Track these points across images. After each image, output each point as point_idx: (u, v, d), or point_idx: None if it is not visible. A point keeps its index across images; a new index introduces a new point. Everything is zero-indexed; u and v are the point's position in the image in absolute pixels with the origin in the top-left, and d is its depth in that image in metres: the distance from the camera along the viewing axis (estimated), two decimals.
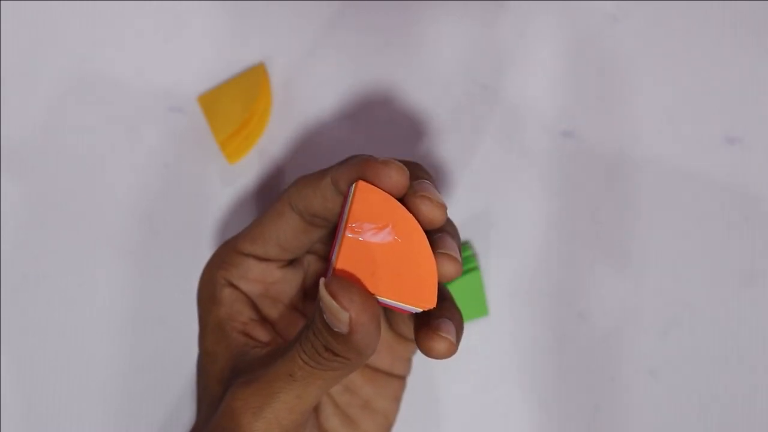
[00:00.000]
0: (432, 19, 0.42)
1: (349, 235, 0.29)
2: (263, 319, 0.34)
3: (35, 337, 0.41)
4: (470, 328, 0.41)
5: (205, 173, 0.41)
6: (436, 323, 0.30)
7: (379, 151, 0.41)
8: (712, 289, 0.41)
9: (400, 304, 0.29)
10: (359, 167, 0.29)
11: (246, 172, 0.41)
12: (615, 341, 0.41)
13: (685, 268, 0.41)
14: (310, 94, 0.41)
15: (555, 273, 0.41)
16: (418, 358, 0.41)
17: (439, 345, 0.29)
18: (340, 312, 0.28)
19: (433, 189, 0.30)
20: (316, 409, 0.35)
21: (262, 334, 0.33)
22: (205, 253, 0.41)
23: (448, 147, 0.41)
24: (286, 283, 0.35)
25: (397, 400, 0.36)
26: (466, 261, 0.40)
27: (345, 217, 0.29)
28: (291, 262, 0.35)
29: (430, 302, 0.29)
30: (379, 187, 0.29)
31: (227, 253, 0.34)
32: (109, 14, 0.42)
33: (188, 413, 0.41)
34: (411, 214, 0.29)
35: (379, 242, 0.29)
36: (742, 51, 0.42)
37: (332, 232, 0.34)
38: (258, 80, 0.41)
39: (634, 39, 0.42)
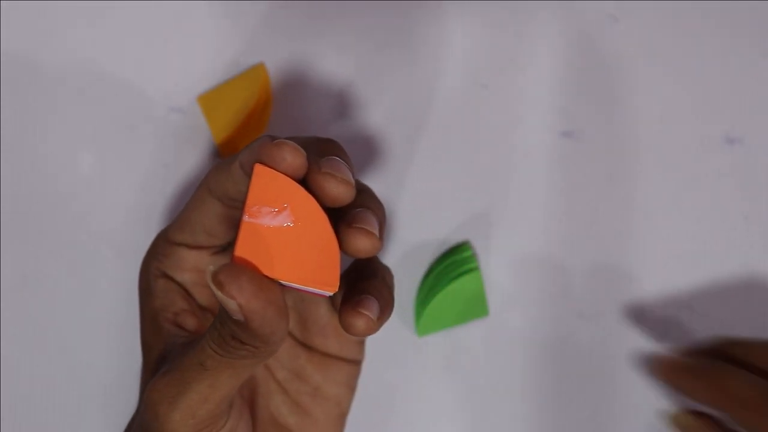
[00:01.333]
0: (431, 19, 0.42)
1: (247, 219, 0.28)
2: (200, 308, 0.34)
3: (35, 337, 0.41)
4: (470, 329, 0.41)
5: (204, 173, 0.41)
6: (358, 299, 0.29)
7: (378, 151, 0.41)
8: (712, 289, 0.41)
9: (304, 287, 0.28)
10: (257, 150, 0.28)
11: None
12: (615, 341, 0.41)
13: (685, 268, 0.41)
14: (310, 94, 0.41)
15: (555, 273, 0.41)
16: (418, 358, 0.41)
17: (358, 321, 0.29)
18: (228, 301, 0.27)
19: (341, 165, 0.29)
20: (265, 397, 0.34)
21: (191, 324, 0.33)
22: None
23: (447, 147, 0.41)
24: None
25: (349, 385, 0.35)
26: (466, 261, 0.40)
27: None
28: (224, 249, 0.34)
29: (333, 285, 0.28)
30: (277, 170, 0.28)
31: (160, 244, 0.34)
32: (109, 14, 0.42)
33: None
34: (311, 196, 0.28)
35: (278, 226, 0.28)
36: (743, 51, 0.42)
37: None
38: (258, 80, 0.41)
39: (634, 39, 0.42)
